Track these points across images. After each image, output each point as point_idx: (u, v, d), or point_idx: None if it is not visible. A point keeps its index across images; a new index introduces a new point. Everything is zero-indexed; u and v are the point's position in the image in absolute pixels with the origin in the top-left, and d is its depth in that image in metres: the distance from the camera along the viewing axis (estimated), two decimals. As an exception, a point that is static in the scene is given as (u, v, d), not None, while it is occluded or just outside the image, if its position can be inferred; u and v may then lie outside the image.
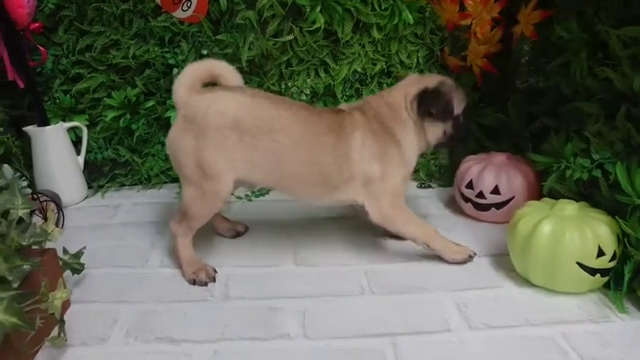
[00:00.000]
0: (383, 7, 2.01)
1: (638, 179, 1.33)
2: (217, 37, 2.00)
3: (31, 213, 1.67)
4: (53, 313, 1.13)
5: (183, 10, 1.94)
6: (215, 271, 1.54)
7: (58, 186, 1.99)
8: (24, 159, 2.02)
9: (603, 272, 1.37)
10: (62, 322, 1.17)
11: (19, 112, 2.05)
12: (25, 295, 1.11)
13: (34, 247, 1.33)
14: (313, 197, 1.60)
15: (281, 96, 1.73)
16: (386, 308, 1.36)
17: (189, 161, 1.46)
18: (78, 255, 1.44)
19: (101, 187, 2.19)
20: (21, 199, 1.31)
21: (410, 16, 2.01)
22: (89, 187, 2.18)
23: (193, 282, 1.51)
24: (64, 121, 2.07)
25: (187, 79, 1.48)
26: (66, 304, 1.38)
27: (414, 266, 1.59)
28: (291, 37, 2.00)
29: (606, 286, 1.41)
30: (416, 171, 2.25)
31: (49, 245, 1.39)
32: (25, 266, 1.19)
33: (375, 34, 2.04)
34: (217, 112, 1.44)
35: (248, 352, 1.22)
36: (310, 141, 1.49)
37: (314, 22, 1.96)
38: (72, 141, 2.08)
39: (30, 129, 1.98)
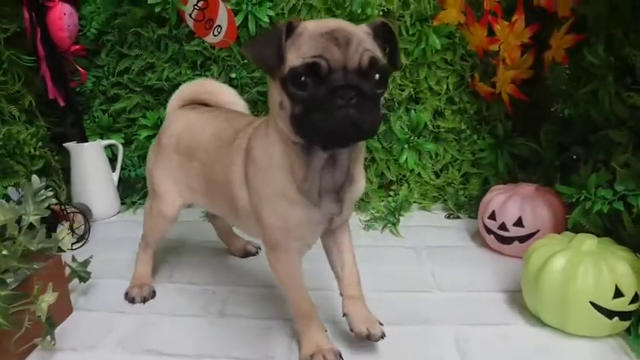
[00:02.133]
0: (410, 33, 2.00)
1: (662, 213, 1.22)
2: (245, 61, 2.05)
3: (55, 222, 1.78)
4: (40, 316, 1.17)
5: (214, 35, 2.01)
6: (153, 295, 1.53)
7: (92, 200, 2.09)
8: (63, 173, 2.16)
9: (622, 315, 1.24)
10: (50, 325, 1.20)
11: (62, 129, 2.19)
12: (17, 297, 1.16)
13: (45, 252, 1.40)
14: (243, 229, 1.38)
15: (237, 111, 1.50)
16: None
17: (148, 176, 1.53)
18: (85, 263, 1.49)
19: (133, 203, 2.28)
20: (32, 206, 1.39)
21: (437, 42, 1.98)
22: (122, 203, 2.27)
23: (126, 294, 1.52)
24: (101, 138, 2.19)
25: (177, 97, 1.53)
26: (67, 310, 1.43)
27: (423, 297, 1.52)
28: (317, 61, 2.02)
29: (628, 331, 1.27)
30: (444, 201, 2.17)
31: (67, 254, 1.48)
32: (23, 269, 1.25)
33: (403, 59, 2.02)
34: (168, 133, 1.46)
35: (228, 371, 1.20)
36: (210, 158, 1.32)
37: (339, 47, 1.96)
38: (108, 158, 2.19)
39: (70, 145, 2.11)
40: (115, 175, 2.21)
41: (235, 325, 1.39)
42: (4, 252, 1.21)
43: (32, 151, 1.90)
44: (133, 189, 2.29)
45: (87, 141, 2.13)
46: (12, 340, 1.13)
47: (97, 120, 2.19)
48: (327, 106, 0.92)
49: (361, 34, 0.97)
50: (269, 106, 1.06)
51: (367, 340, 1.23)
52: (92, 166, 2.13)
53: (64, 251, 1.48)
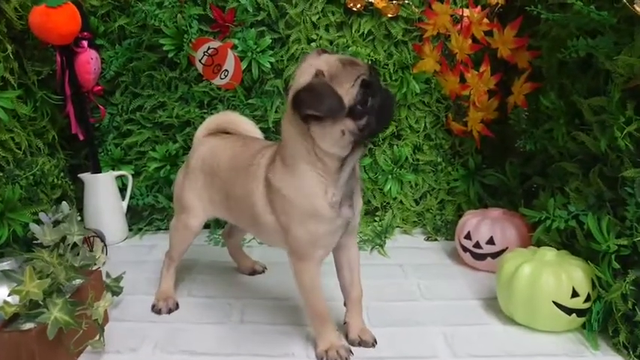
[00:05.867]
0: (393, 78, 2.30)
1: (607, 228, 1.51)
2: (249, 101, 2.31)
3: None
4: (96, 319, 1.36)
5: (221, 79, 2.27)
6: (176, 307, 1.73)
7: (104, 226, 2.26)
8: (76, 201, 2.33)
9: (579, 312, 1.52)
10: (102, 328, 1.39)
11: (77, 161, 2.38)
12: (75, 303, 1.34)
13: (85, 268, 1.59)
14: (263, 240, 1.66)
15: (252, 137, 1.73)
16: (379, 337, 1.52)
17: (176, 194, 1.75)
18: (118, 279, 1.68)
19: (140, 229, 2.45)
20: (77, 227, 1.58)
21: (417, 86, 2.29)
22: (130, 230, 2.45)
23: (153, 307, 1.72)
24: (113, 170, 2.38)
25: (203, 127, 1.77)
26: (105, 320, 1.61)
27: (412, 305, 1.77)
28: (312, 102, 2.29)
29: (585, 327, 1.55)
30: (423, 225, 2.45)
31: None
32: (76, 280, 1.45)
33: (387, 101, 2.32)
34: (195, 156, 1.71)
35: (257, 366, 1.42)
36: (230, 176, 1.56)
37: (332, 90, 2.25)
38: (119, 188, 2.38)
39: (84, 175, 2.29)
40: (125, 204, 2.39)
41: (255, 330, 1.60)
42: (65, 265, 1.40)
43: (55, 180, 2.08)
44: (140, 216, 2.47)
45: (100, 172, 2.32)
46: (72, 339, 1.32)
47: (109, 153, 2.39)
48: (384, 102, 1.27)
49: None
50: (299, 148, 1.30)
51: (359, 346, 1.49)
52: (104, 195, 2.31)
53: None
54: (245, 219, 1.56)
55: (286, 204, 1.36)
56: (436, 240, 2.37)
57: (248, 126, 1.79)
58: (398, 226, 2.44)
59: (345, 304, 1.57)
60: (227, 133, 1.75)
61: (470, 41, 2.12)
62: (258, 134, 1.79)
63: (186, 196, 1.70)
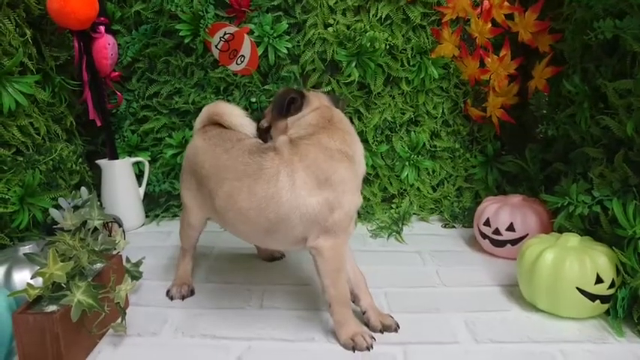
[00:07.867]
0: (411, 64, 2.27)
1: (633, 214, 1.48)
2: (265, 87, 2.30)
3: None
4: (118, 302, 1.36)
5: (237, 64, 2.26)
6: (191, 293, 1.72)
7: (121, 212, 2.27)
8: (94, 188, 2.34)
9: (603, 299, 1.50)
10: (124, 311, 1.40)
11: (93, 147, 2.38)
12: (98, 286, 1.35)
13: (105, 252, 1.59)
14: (265, 242, 1.58)
15: (233, 137, 1.60)
16: (399, 323, 1.51)
17: (180, 192, 1.73)
18: (137, 264, 1.68)
19: (157, 216, 2.46)
20: (97, 212, 1.58)
21: (435, 72, 2.26)
22: (146, 216, 2.46)
23: (167, 292, 1.72)
24: (130, 156, 2.38)
25: (198, 119, 1.70)
26: (126, 304, 1.61)
27: (431, 291, 1.75)
28: (329, 88, 2.27)
29: (608, 313, 1.53)
30: (440, 212, 2.43)
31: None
32: (97, 264, 1.45)
33: (404, 86, 2.30)
34: (186, 155, 1.67)
35: (277, 350, 1.41)
36: (227, 189, 1.47)
37: (349, 76, 2.23)
38: (135, 174, 2.39)
39: (101, 162, 2.30)
40: (141, 190, 2.40)
41: (275, 315, 1.60)
42: (87, 248, 1.40)
43: (73, 166, 2.09)
44: (156, 203, 2.48)
45: (117, 158, 2.32)
46: (95, 322, 1.32)
47: (126, 139, 2.39)
48: None
49: None
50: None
51: (381, 332, 1.48)
52: (121, 181, 2.32)
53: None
54: (250, 227, 1.47)
55: (344, 173, 1.39)
56: (453, 227, 2.35)
57: (237, 118, 1.66)
58: (415, 213, 2.43)
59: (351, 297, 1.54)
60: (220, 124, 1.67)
61: (490, 25, 2.08)
62: (248, 124, 1.66)
63: (183, 194, 1.70)
